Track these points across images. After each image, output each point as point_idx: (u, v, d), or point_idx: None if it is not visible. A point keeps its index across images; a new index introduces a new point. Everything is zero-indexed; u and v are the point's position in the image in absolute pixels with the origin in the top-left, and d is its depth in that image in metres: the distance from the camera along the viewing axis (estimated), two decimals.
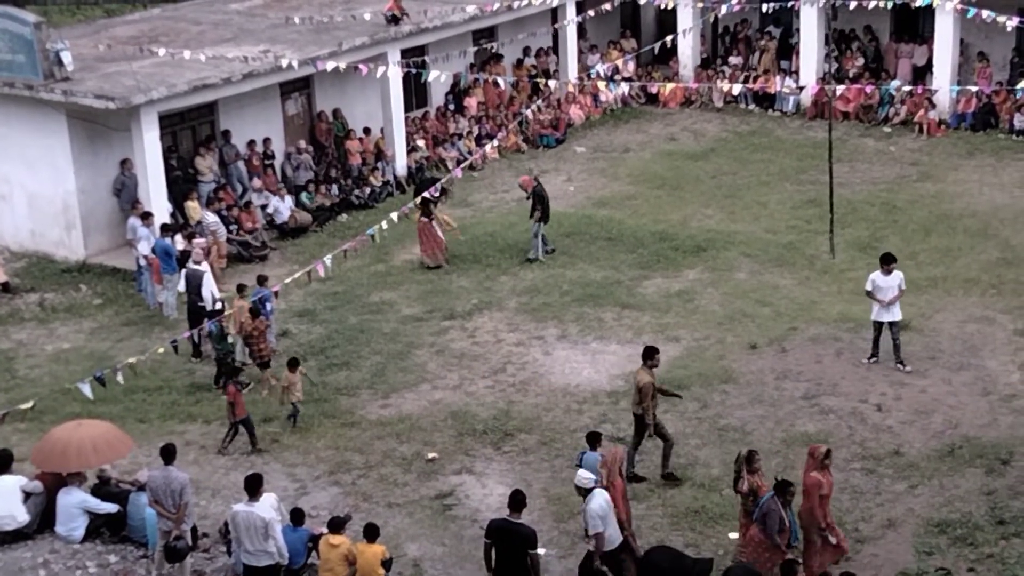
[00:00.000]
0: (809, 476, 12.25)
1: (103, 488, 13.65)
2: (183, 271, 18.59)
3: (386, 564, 12.33)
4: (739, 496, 12.51)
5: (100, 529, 13.38)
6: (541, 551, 11.94)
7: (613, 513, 12.09)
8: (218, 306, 17.57)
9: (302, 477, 14.88)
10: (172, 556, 12.36)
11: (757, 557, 12.04)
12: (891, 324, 16.79)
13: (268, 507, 12.19)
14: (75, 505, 13.20)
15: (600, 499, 11.99)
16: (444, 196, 21.74)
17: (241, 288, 17.77)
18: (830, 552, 12.42)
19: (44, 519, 13.36)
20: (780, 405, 16.11)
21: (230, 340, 17.01)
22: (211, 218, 21.12)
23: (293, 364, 16.10)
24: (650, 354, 14.28)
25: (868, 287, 16.90)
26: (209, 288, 18.11)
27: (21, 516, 13.17)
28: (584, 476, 12.19)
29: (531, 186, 21.42)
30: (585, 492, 12.10)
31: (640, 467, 14.77)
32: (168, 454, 12.67)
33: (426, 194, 20.37)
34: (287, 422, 16.03)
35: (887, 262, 16.88)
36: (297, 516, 12.86)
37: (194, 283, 18.10)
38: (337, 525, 12.33)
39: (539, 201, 21.16)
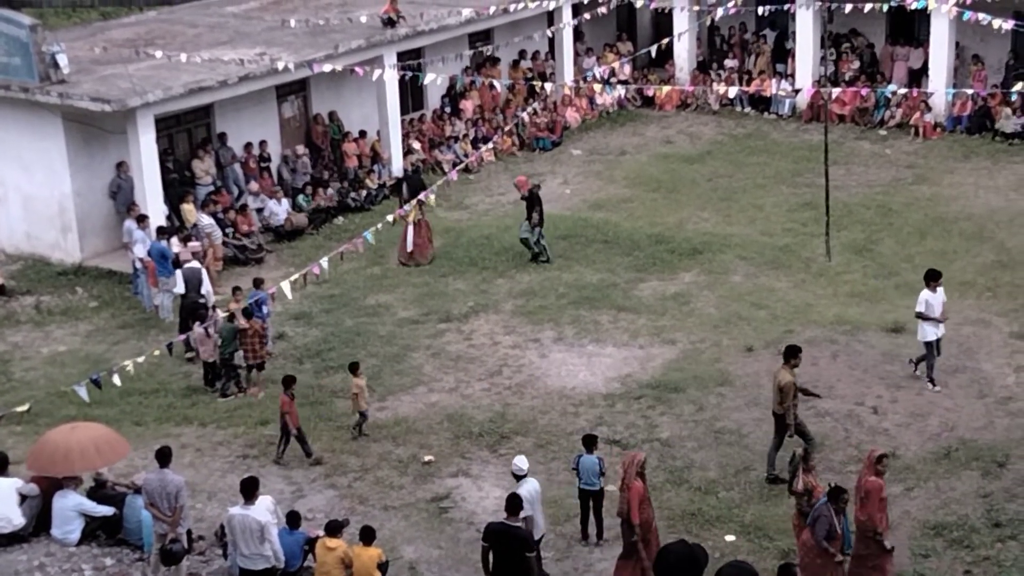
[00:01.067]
0: (869, 480, 12.20)
1: (99, 491, 13.62)
2: (179, 271, 18.57)
3: (382, 567, 12.32)
4: (793, 497, 12.42)
5: (96, 532, 13.34)
6: None
7: (540, 502, 12.58)
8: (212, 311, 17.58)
9: (298, 480, 14.86)
10: (167, 559, 12.34)
11: (810, 562, 11.91)
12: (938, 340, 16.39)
13: (264, 510, 12.18)
14: (71, 508, 13.16)
15: (529, 486, 12.44)
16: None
17: (236, 290, 17.74)
18: (888, 558, 12.34)
19: (40, 522, 13.32)
20: None
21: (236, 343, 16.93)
22: (206, 220, 21.10)
23: (355, 368, 15.75)
24: (793, 353, 14.39)
25: (920, 308, 16.28)
26: (206, 287, 18.16)
27: (17, 519, 13.13)
28: (518, 464, 12.63)
29: (527, 187, 21.41)
30: (518, 478, 12.51)
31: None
32: (164, 457, 12.65)
33: (422, 196, 20.36)
34: (353, 431, 15.71)
35: (935, 279, 16.37)
36: (293, 519, 12.85)
37: (194, 281, 18.20)
38: (335, 528, 12.32)
39: (535, 204, 21.15)
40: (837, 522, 11.80)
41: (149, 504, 12.58)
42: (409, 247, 21.25)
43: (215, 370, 17.18)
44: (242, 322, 16.84)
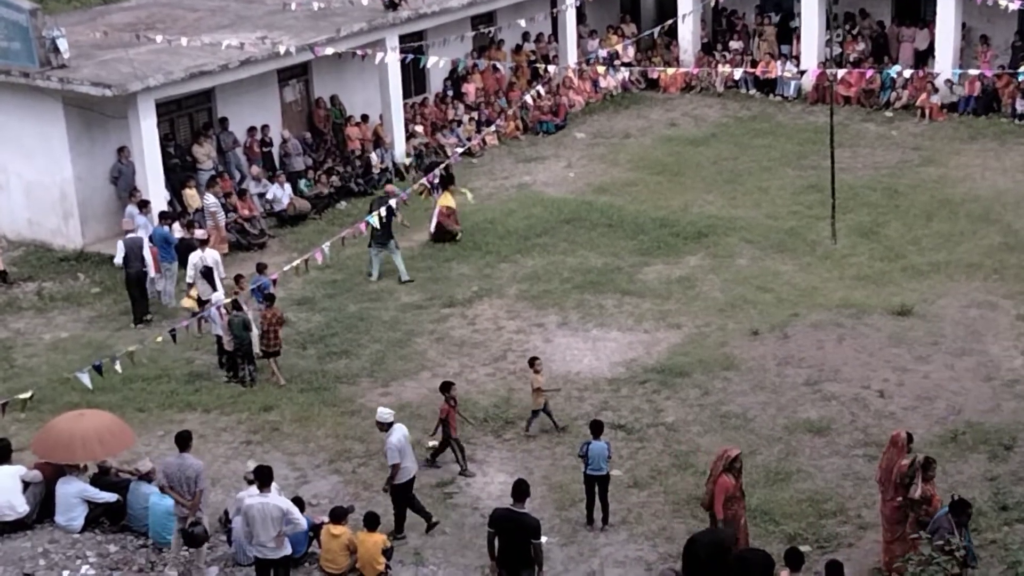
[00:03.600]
0: (904, 464, 12.07)
1: (103, 478, 13.59)
2: (120, 241, 18.86)
3: (387, 553, 12.32)
4: (908, 504, 12.05)
5: (100, 519, 13.32)
6: (543, 539, 11.90)
7: (410, 447, 13.20)
8: (218, 296, 17.49)
9: (302, 466, 14.82)
10: (190, 541, 12.36)
11: None
12: None
13: (281, 496, 12.13)
14: (74, 495, 13.14)
15: (399, 434, 13.03)
16: (447, 183, 21.30)
17: (239, 278, 17.65)
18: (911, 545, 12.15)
19: (43, 509, 13.30)
20: (782, 391, 16.06)
21: (255, 331, 16.79)
22: (211, 200, 21.06)
23: (534, 362, 15.30)
24: None
25: None
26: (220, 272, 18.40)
27: (20, 506, 13.11)
28: (383, 412, 13.19)
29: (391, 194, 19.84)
30: (385, 427, 13.07)
31: (632, 461, 14.69)
32: (183, 441, 12.70)
33: (423, 181, 20.25)
34: (528, 428, 15.25)
35: None
36: (297, 505, 12.79)
37: (135, 250, 18.60)
38: (339, 515, 12.30)
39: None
40: (959, 535, 11.34)
41: (168, 488, 12.60)
42: (431, 229, 21.09)
43: (233, 357, 17.02)
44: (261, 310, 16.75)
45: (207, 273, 18.18)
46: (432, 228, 21.26)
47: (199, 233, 19.30)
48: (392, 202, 19.21)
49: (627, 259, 20.47)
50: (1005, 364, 16.47)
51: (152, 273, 18.96)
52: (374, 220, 18.49)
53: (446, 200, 21.29)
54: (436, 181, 20.53)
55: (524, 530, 11.47)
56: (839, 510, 13.53)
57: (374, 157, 23.90)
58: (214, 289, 18.04)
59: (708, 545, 11.27)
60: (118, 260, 18.77)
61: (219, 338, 17.07)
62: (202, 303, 18.07)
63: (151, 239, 19.42)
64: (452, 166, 20.52)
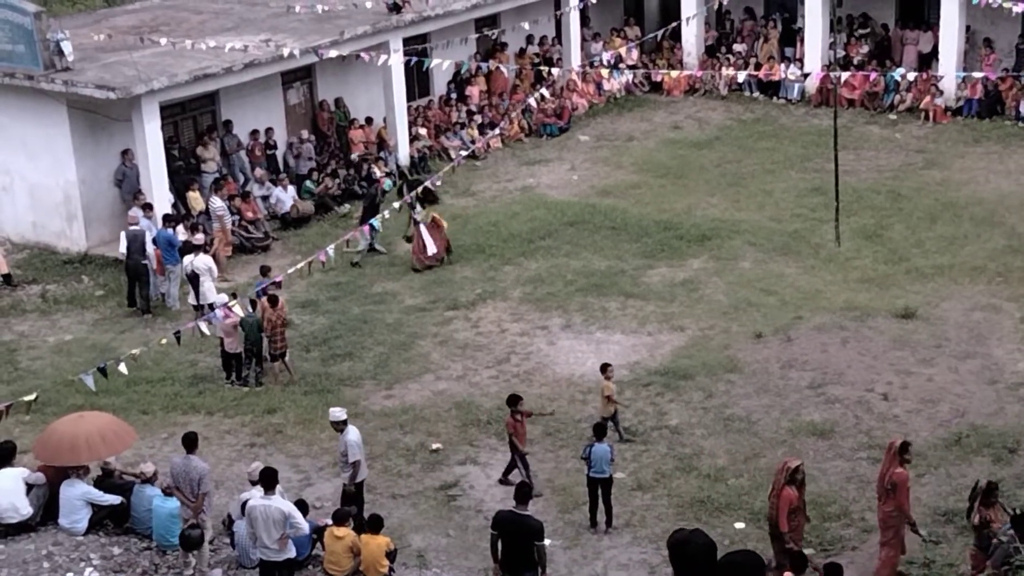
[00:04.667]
0: (897, 472, 12.01)
1: (106, 480, 13.60)
2: (123, 233, 19.40)
3: (390, 555, 12.30)
4: (972, 529, 11.96)
5: (104, 521, 13.32)
6: (547, 542, 11.89)
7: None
8: (222, 297, 17.51)
9: (306, 468, 14.83)
10: (185, 544, 12.36)
11: None
12: None
13: (284, 499, 12.13)
14: (78, 497, 13.13)
15: (355, 432, 13.39)
16: (423, 204, 20.54)
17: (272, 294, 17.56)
18: (900, 550, 12.12)
19: (47, 511, 13.30)
20: (786, 394, 16.04)
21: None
22: (219, 203, 21.09)
23: (605, 368, 14.99)
24: None
25: None
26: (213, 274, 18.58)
27: (24, 508, 13.11)
28: (336, 411, 13.41)
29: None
30: (341, 425, 13.31)
31: (636, 464, 14.68)
32: (189, 443, 12.78)
33: (408, 198, 19.93)
34: (618, 437, 14.97)
35: None
36: (301, 508, 12.78)
37: (137, 244, 19.07)
38: (342, 517, 12.29)
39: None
40: (1022, 549, 11.17)
41: (174, 488, 12.65)
42: (431, 250, 20.58)
43: (239, 360, 17.01)
44: (267, 310, 16.75)
45: (193, 279, 18.46)
46: (432, 251, 20.58)
47: (197, 238, 19.35)
48: (395, 203, 19.23)
49: (631, 262, 20.47)
50: (1009, 367, 16.46)
51: (152, 265, 19.33)
52: (377, 223, 18.48)
53: (431, 216, 20.62)
54: (415, 196, 20.08)
55: (527, 532, 11.47)
56: (842, 513, 13.52)
57: (377, 172, 23.93)
58: (197, 295, 18.31)
59: (698, 546, 11.24)
60: (122, 249, 19.17)
61: (222, 340, 17.08)
62: (197, 307, 18.19)
63: (155, 242, 19.49)
64: (432, 185, 20.06)
